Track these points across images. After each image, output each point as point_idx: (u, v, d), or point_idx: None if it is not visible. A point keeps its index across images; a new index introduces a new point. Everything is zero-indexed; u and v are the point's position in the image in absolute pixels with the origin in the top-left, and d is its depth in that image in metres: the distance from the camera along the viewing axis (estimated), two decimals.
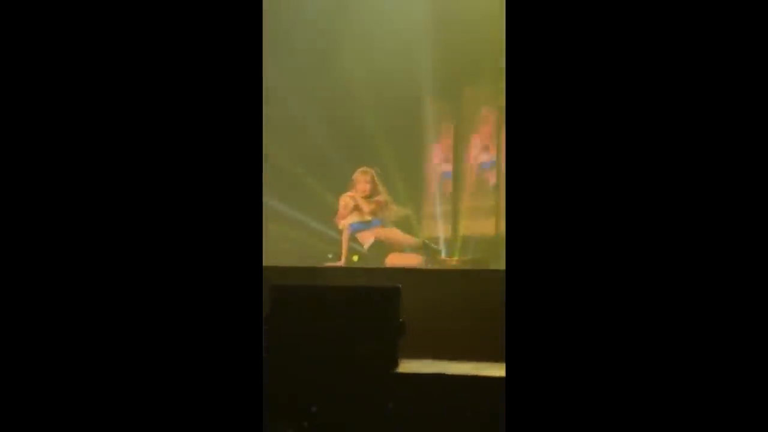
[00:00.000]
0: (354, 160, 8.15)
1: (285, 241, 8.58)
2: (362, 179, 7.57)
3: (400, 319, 4.51)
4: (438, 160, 8.94)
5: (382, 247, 7.53)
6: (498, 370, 4.58)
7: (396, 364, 4.46)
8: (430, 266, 7.36)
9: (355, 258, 7.97)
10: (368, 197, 7.56)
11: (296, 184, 8.75)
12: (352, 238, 7.57)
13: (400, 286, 4.58)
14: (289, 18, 8.69)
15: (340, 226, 7.59)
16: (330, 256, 7.93)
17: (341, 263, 7.43)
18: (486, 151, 8.97)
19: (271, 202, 7.90)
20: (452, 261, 7.69)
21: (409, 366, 4.53)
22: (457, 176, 9.07)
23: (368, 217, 7.56)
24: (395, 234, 7.64)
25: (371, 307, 4.53)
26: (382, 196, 7.66)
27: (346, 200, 7.60)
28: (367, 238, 7.55)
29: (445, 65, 8.52)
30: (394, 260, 7.47)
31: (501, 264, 8.03)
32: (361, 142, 8.64)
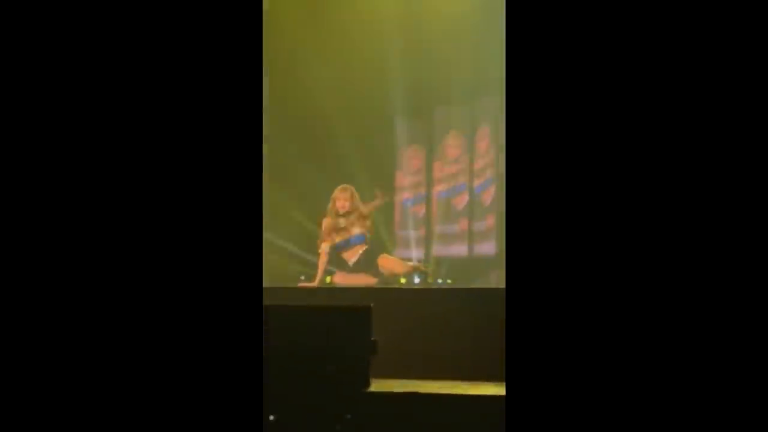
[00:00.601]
0: (326, 179, 8.15)
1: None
2: (341, 196, 7.56)
3: (372, 338, 4.51)
4: (409, 183, 8.99)
5: (366, 263, 7.50)
6: (473, 389, 4.61)
7: (368, 383, 4.46)
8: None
9: (328, 279, 7.97)
10: (348, 214, 7.55)
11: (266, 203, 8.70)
12: (337, 258, 7.60)
13: (372, 305, 4.59)
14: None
15: (320, 249, 7.59)
16: (302, 277, 7.92)
17: (315, 284, 7.42)
18: (454, 177, 9.05)
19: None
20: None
21: (381, 384, 4.53)
22: (429, 200, 9.11)
23: (350, 234, 7.56)
24: (389, 262, 7.66)
25: (343, 326, 4.53)
26: (362, 210, 7.64)
27: (326, 222, 7.61)
28: (351, 256, 7.54)
29: (417, 86, 8.57)
30: (384, 263, 7.53)
31: (478, 283, 8.05)
32: (334, 162, 8.64)
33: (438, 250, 8.82)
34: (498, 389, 4.48)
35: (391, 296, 5.90)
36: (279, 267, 8.39)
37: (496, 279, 8.14)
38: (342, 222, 7.55)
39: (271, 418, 4.24)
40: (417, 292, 6.81)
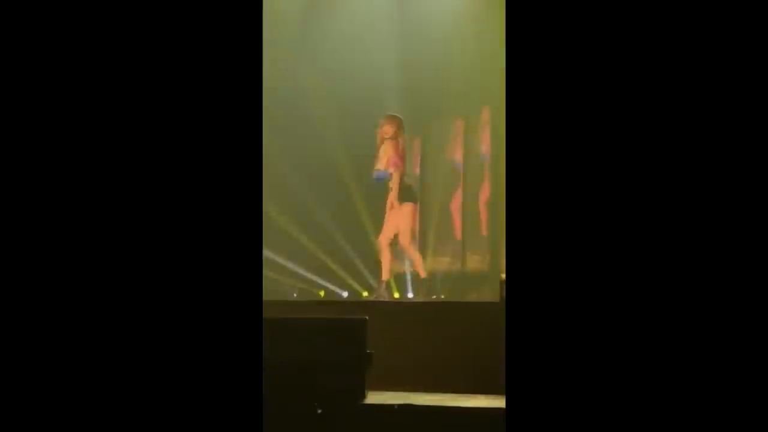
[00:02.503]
0: (316, 190, 8.10)
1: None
2: (386, 122, 6.92)
3: (368, 351, 4.52)
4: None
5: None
6: (468, 401, 4.61)
7: (363, 396, 4.46)
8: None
9: (321, 293, 7.95)
10: (392, 139, 6.87)
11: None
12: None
13: (367, 318, 4.59)
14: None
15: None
16: (295, 295, 7.84)
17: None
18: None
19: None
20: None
21: (376, 397, 4.54)
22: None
23: (381, 167, 6.91)
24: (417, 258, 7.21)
25: (338, 338, 4.53)
26: (399, 148, 6.92)
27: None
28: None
29: (412, 92, 8.59)
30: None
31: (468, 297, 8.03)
32: (324, 172, 8.61)
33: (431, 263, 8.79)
34: (492, 401, 4.49)
35: (384, 309, 5.91)
36: (269, 280, 8.33)
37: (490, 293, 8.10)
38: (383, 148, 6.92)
39: None
40: (410, 305, 6.81)
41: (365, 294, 7.35)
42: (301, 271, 8.02)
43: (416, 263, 7.03)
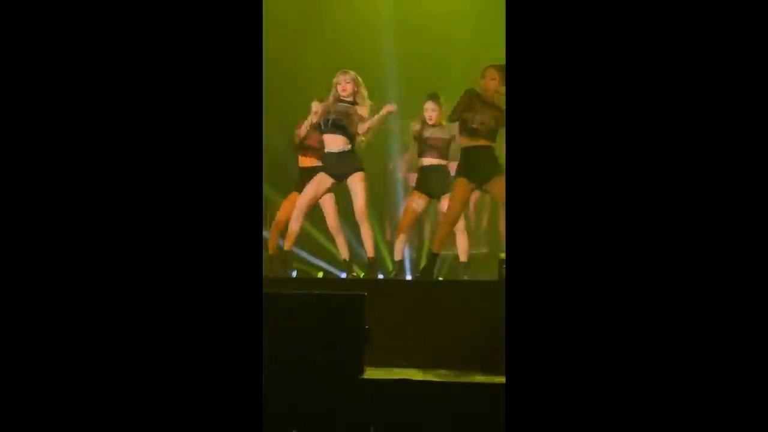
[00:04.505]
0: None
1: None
2: (343, 79, 6.36)
3: (366, 327, 4.51)
4: (403, 174, 8.90)
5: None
6: (466, 378, 4.62)
7: (362, 371, 4.46)
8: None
9: (320, 274, 7.93)
10: (350, 102, 6.33)
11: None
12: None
13: (366, 294, 4.59)
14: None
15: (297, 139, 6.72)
16: (294, 274, 7.80)
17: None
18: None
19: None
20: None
21: (374, 373, 4.54)
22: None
23: (340, 118, 6.32)
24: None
25: (337, 314, 4.53)
26: (362, 111, 6.33)
27: (321, 105, 6.50)
28: (332, 144, 6.38)
29: (411, 86, 8.58)
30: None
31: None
32: None
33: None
34: (491, 379, 4.50)
35: (382, 287, 5.92)
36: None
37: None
38: (341, 107, 6.35)
39: None
40: (408, 283, 6.80)
41: (320, 274, 7.28)
42: (301, 252, 8.00)
43: (367, 240, 6.45)
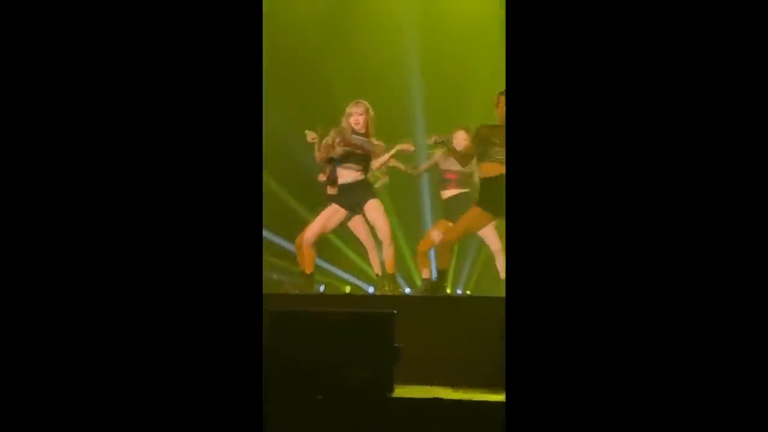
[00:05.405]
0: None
1: (274, 270, 8.56)
2: (356, 111, 6.37)
3: (396, 345, 4.53)
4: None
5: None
6: (495, 396, 4.61)
7: (391, 389, 4.48)
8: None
9: (347, 289, 7.93)
10: (362, 134, 6.37)
11: (285, 212, 8.67)
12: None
13: (396, 311, 4.61)
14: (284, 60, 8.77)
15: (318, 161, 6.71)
16: (322, 289, 7.81)
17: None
18: None
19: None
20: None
21: (404, 391, 4.56)
22: None
23: (354, 151, 6.38)
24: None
25: (367, 332, 4.55)
26: (373, 147, 6.38)
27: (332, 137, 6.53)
28: (345, 176, 6.47)
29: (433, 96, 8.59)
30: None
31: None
32: None
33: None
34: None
35: (410, 304, 5.93)
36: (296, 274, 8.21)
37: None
38: (355, 139, 6.37)
39: None
40: (436, 300, 6.80)
41: (347, 289, 7.34)
42: (328, 266, 8.01)
43: (389, 258, 6.57)
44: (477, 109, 8.67)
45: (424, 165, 7.41)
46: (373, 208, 6.40)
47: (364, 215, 6.48)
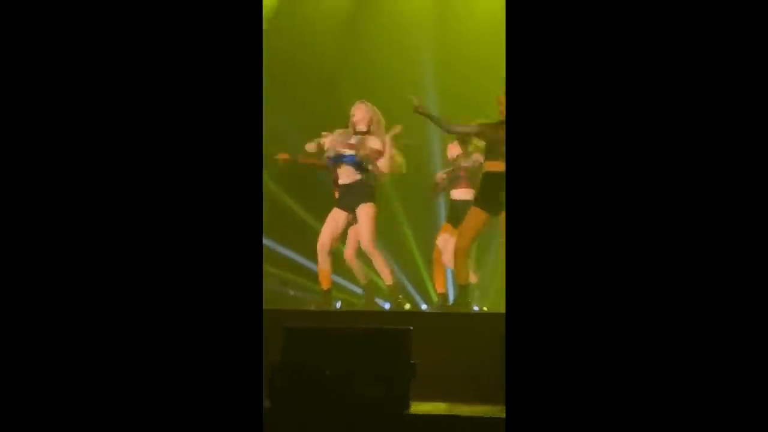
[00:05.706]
0: None
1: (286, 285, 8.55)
2: (359, 110, 6.37)
3: (412, 361, 4.54)
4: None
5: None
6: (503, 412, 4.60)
7: (407, 406, 4.48)
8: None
9: (407, 306, 7.68)
10: (364, 134, 6.29)
11: (294, 223, 8.63)
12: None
13: (412, 328, 4.62)
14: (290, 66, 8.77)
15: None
16: (338, 305, 7.74)
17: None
18: None
19: (265, 241, 7.23)
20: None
21: (420, 407, 4.56)
22: None
23: (346, 151, 6.33)
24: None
25: (383, 348, 4.55)
26: (377, 144, 6.27)
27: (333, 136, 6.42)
28: (344, 177, 6.36)
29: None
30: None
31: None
32: None
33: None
34: None
35: (424, 320, 5.92)
36: (314, 292, 8.13)
37: None
38: (351, 138, 6.34)
39: None
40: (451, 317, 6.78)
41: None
42: (344, 282, 7.98)
43: (382, 269, 6.43)
44: (492, 109, 8.66)
45: (460, 127, 6.92)
46: (363, 212, 6.30)
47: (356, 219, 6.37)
